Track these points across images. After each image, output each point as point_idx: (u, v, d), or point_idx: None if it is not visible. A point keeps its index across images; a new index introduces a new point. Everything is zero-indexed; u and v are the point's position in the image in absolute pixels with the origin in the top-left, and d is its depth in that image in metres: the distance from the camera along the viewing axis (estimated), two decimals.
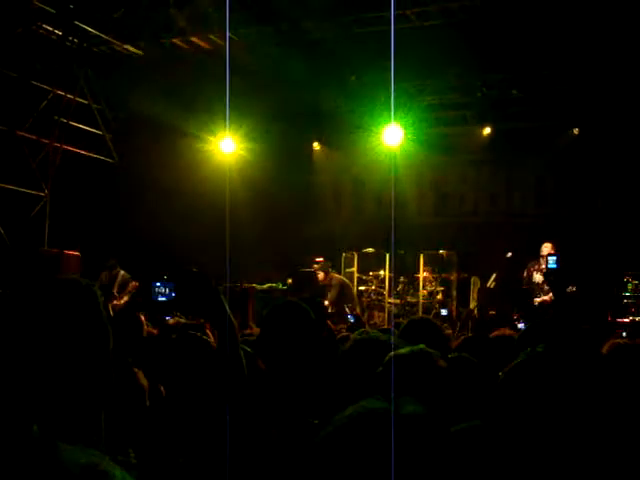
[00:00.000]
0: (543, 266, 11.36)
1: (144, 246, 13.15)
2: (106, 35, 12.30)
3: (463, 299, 13.33)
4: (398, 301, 13.42)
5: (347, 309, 12.35)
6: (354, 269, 13.94)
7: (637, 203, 12.44)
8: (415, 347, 2.30)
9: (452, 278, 13.44)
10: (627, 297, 11.66)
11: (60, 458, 0.92)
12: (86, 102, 13.01)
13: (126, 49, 12.96)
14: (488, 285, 12.20)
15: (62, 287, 1.57)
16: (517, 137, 13.69)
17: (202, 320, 4.24)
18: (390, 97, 12.22)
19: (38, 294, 1.55)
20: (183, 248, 14.10)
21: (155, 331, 4.82)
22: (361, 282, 13.83)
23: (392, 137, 13.22)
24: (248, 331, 5.39)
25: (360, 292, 13.44)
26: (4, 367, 1.45)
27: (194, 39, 12.52)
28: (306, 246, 14.33)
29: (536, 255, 11.62)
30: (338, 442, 1.17)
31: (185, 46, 12.80)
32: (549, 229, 12.90)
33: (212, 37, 12.38)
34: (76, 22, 11.68)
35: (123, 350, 3.29)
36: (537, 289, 11.51)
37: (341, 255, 13.89)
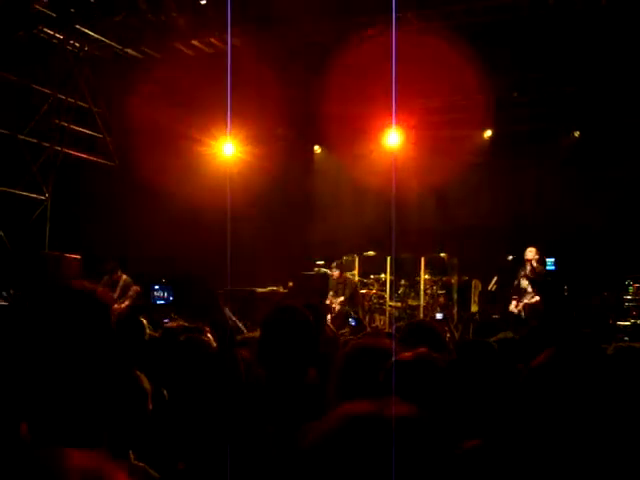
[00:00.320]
0: (528, 269, 11.38)
1: (145, 249, 13.15)
2: (107, 39, 12.31)
3: (464, 302, 13.32)
4: (399, 304, 13.42)
5: (351, 312, 12.40)
6: (355, 272, 13.94)
7: (639, 206, 12.43)
8: (418, 351, 2.28)
9: (453, 281, 13.42)
10: (628, 300, 11.66)
11: (61, 462, 0.91)
12: (87, 106, 13.01)
13: (127, 53, 12.97)
14: (489, 288, 12.20)
15: (75, 297, 1.57)
16: (518, 140, 13.69)
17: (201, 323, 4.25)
18: (391, 100, 12.21)
19: (52, 303, 1.54)
20: (184, 252, 14.11)
21: (157, 334, 4.82)
22: (362, 285, 13.83)
23: (393, 140, 13.23)
24: (250, 334, 5.38)
25: (361, 295, 13.44)
26: (11, 371, 1.45)
27: (195, 42, 12.52)
28: (307, 249, 14.34)
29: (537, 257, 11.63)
30: (324, 449, 1.12)
31: (186, 49, 12.80)
32: (550, 232, 12.90)
33: (213, 40, 12.38)
34: (77, 26, 11.69)
35: (126, 354, 3.28)
36: (523, 294, 11.53)
37: (342, 258, 13.89)
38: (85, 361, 1.49)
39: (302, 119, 14.39)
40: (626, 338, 10.17)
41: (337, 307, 12.46)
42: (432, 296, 13.40)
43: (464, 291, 13.36)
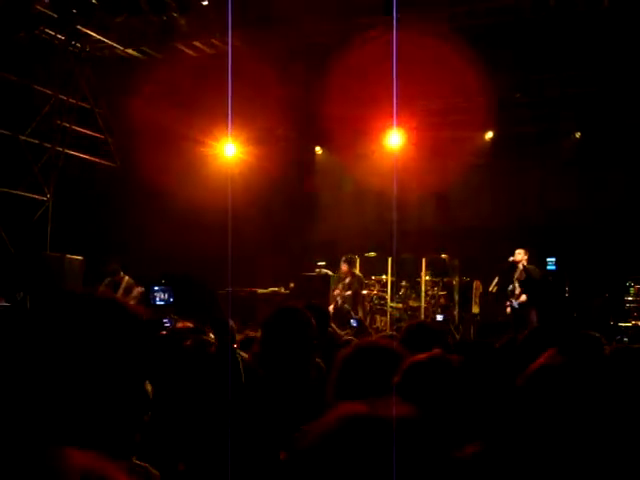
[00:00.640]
0: (519, 270, 11.40)
1: (145, 250, 13.15)
2: (108, 39, 12.32)
3: (465, 304, 13.31)
4: (400, 305, 13.41)
5: (352, 313, 12.40)
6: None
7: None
8: (433, 353, 2.27)
9: (454, 282, 13.42)
10: (629, 302, 11.65)
11: (62, 461, 0.91)
12: (88, 106, 13.02)
13: (128, 53, 12.98)
14: (490, 290, 12.19)
15: (95, 305, 1.57)
16: (519, 142, 13.69)
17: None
18: (392, 101, 12.22)
19: (71, 310, 1.54)
20: (185, 252, 14.11)
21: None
22: (364, 286, 13.82)
23: (394, 141, 13.23)
24: (251, 334, 5.37)
25: (362, 296, 13.43)
26: (11, 370, 1.45)
27: (196, 43, 12.54)
28: (308, 250, 14.34)
29: (537, 258, 11.63)
30: (321, 449, 1.11)
31: (187, 50, 12.81)
32: (551, 233, 12.90)
33: (214, 41, 12.39)
34: (78, 26, 11.70)
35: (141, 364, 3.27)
36: (511, 295, 11.54)
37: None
38: (98, 367, 1.49)
39: (303, 120, 14.40)
40: (625, 339, 10.18)
41: (340, 301, 12.46)
42: (433, 297, 13.40)
43: (465, 292, 13.36)
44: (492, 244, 12.96)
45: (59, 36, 12.00)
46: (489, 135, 14.03)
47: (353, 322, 11.84)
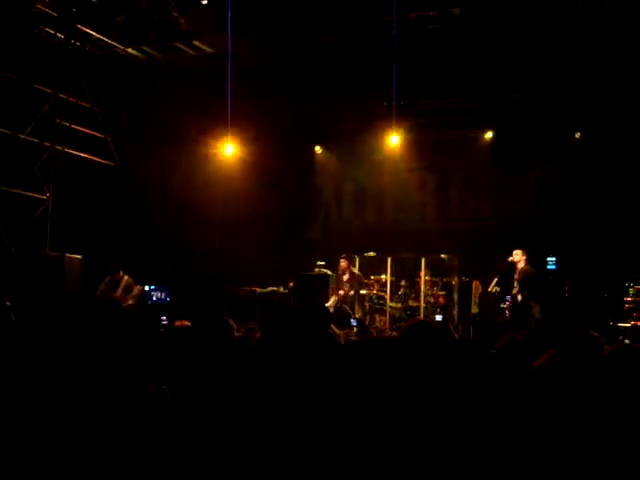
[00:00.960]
0: (518, 271, 11.40)
1: (145, 249, 13.17)
2: (108, 38, 12.31)
3: (464, 304, 13.31)
4: (399, 305, 13.41)
5: (351, 312, 12.41)
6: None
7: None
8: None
9: (453, 282, 13.41)
10: (628, 302, 11.66)
11: None
12: (88, 105, 13.02)
13: (128, 52, 12.98)
14: (489, 290, 12.19)
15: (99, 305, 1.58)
16: (519, 141, 13.68)
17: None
18: (392, 101, 12.22)
19: (75, 310, 1.54)
20: (184, 252, 14.13)
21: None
22: (363, 285, 13.82)
23: (394, 141, 13.22)
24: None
25: (362, 296, 13.44)
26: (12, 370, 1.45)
27: (196, 43, 12.53)
28: (308, 250, 14.34)
29: (536, 259, 11.64)
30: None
31: (187, 49, 12.81)
32: (551, 233, 12.91)
33: (214, 41, 12.39)
34: (78, 25, 11.70)
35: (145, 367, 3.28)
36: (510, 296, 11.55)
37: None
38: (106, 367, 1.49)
39: (303, 119, 14.40)
40: (627, 341, 10.18)
41: (339, 301, 12.48)
42: (432, 297, 13.39)
43: (464, 292, 13.35)
44: (492, 244, 12.97)
45: (59, 35, 12.00)
46: (489, 135, 14.03)
47: (353, 322, 11.86)
